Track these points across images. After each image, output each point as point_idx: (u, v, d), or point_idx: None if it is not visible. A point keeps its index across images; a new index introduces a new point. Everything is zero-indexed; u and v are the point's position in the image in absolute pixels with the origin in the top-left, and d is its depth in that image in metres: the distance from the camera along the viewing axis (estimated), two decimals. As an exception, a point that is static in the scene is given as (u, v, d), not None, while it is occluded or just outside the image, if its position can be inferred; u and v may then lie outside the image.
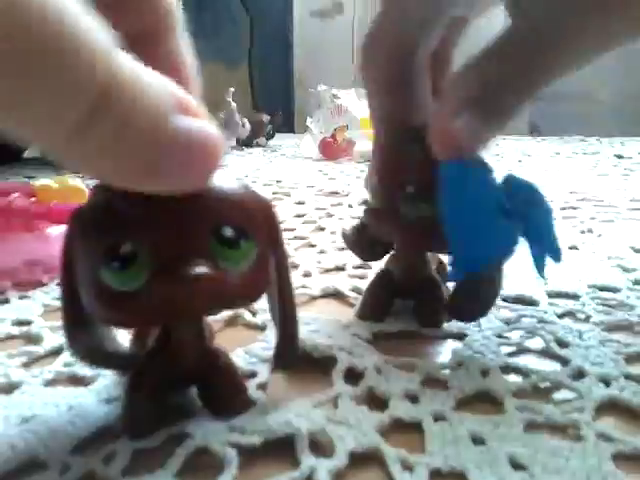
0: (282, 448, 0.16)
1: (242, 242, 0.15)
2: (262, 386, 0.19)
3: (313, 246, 0.36)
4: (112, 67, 0.11)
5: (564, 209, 0.46)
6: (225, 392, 0.17)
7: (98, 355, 0.17)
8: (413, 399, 0.18)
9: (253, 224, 0.15)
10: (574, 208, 0.47)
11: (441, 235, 0.19)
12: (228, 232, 0.15)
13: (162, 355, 0.17)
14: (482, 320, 0.24)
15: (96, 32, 0.11)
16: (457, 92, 0.19)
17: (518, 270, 0.30)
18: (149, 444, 0.16)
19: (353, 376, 0.19)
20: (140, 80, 0.12)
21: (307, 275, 0.30)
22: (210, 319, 0.24)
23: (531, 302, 0.26)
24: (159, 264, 0.14)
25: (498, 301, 0.26)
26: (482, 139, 0.19)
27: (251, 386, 0.19)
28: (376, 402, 0.18)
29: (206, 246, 0.15)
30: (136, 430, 0.16)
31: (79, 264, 0.15)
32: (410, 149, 0.21)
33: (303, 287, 0.28)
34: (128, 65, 0.12)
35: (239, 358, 0.21)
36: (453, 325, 0.23)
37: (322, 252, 0.35)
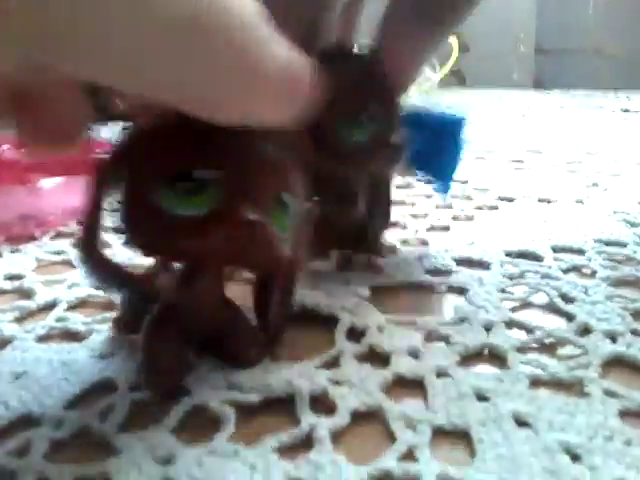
0: (282, 406, 0.15)
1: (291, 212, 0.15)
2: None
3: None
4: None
5: (570, 163, 0.45)
6: (242, 343, 0.17)
7: (118, 276, 0.16)
8: (415, 355, 0.17)
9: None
10: (579, 162, 0.46)
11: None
12: (287, 198, 0.15)
13: (184, 304, 0.16)
14: (484, 275, 0.23)
15: None
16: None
17: (521, 225, 0.29)
18: (147, 394, 0.16)
19: (355, 334, 0.19)
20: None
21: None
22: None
23: (535, 257, 0.25)
24: (225, 201, 0.14)
25: (501, 256, 0.25)
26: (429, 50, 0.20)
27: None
28: (378, 359, 0.17)
29: (269, 204, 0.15)
30: (160, 382, 0.16)
31: (130, 186, 0.14)
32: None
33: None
34: None
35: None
36: (454, 280, 0.23)
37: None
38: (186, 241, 0.14)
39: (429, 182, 0.24)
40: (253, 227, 0.14)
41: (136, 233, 0.15)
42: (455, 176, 0.24)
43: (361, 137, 0.20)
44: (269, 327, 0.17)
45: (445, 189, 0.24)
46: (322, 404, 0.15)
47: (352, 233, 0.23)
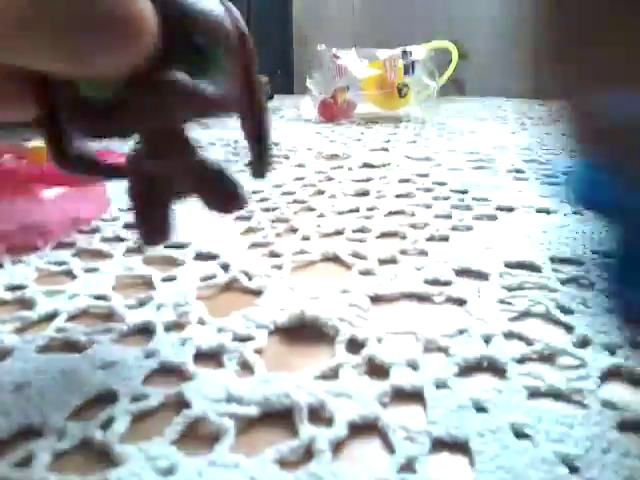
0: (280, 418, 0.15)
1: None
2: (258, 351, 0.19)
3: (312, 210, 0.36)
4: None
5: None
6: (223, 190, 0.18)
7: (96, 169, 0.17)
8: (414, 367, 0.18)
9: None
10: (578, 172, 0.46)
11: None
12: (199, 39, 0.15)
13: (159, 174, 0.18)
14: (483, 286, 0.23)
15: None
16: None
17: (520, 236, 0.30)
18: (148, 405, 0.16)
19: (354, 346, 0.19)
20: None
21: (306, 239, 0.30)
22: (206, 284, 0.24)
23: (534, 268, 0.25)
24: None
25: (500, 267, 0.25)
26: None
27: (248, 350, 0.18)
28: (377, 371, 0.18)
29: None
30: (154, 236, 0.18)
31: None
32: None
33: (302, 251, 0.28)
34: None
35: (236, 323, 0.20)
36: (453, 290, 0.23)
37: (321, 216, 0.34)
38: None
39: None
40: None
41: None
42: None
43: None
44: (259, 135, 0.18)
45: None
46: (320, 416, 0.15)
47: None
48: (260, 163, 0.18)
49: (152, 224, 0.18)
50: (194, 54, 0.15)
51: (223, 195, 0.18)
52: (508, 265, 0.26)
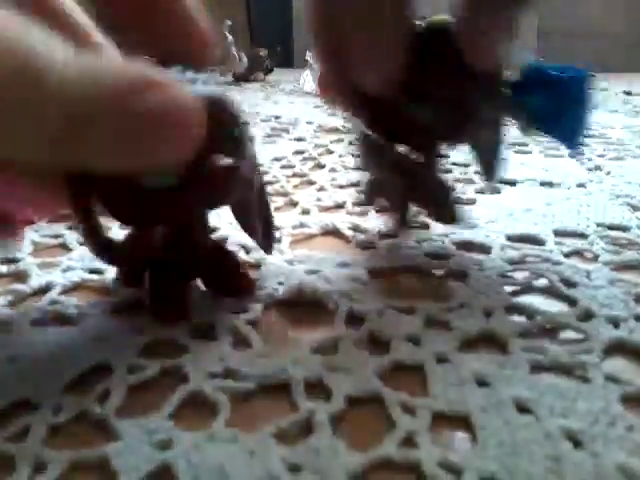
0: (278, 392, 0.15)
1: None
2: (252, 322, 0.18)
3: (312, 183, 0.35)
4: (59, 84, 0.12)
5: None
6: (231, 274, 0.20)
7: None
8: (415, 341, 0.17)
9: None
10: (582, 145, 0.45)
11: None
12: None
13: (180, 247, 0.18)
14: (484, 260, 0.23)
15: (36, 50, 0.12)
16: None
17: (523, 209, 0.29)
18: (144, 377, 0.16)
19: (354, 320, 0.19)
20: (92, 73, 0.13)
21: (305, 212, 0.29)
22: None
23: (537, 241, 0.25)
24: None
25: (501, 240, 0.25)
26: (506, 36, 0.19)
27: (240, 322, 0.18)
28: (378, 345, 0.17)
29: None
30: (168, 316, 0.18)
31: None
32: None
33: (301, 225, 0.27)
34: (75, 68, 0.12)
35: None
36: (454, 264, 0.23)
37: (321, 189, 0.34)
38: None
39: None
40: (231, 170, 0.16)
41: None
42: (584, 133, 0.22)
43: (428, 115, 0.21)
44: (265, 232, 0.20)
45: (574, 147, 0.23)
46: (318, 390, 0.15)
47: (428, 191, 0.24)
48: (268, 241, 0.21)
49: (167, 305, 0.19)
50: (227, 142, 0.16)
51: (237, 286, 0.20)
52: (510, 238, 0.25)
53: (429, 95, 0.20)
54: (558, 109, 0.21)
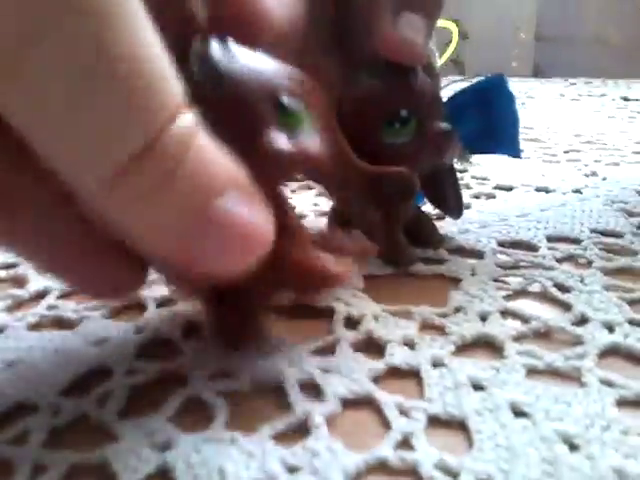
0: (274, 393, 0.15)
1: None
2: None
3: (311, 189, 0.35)
4: (178, 116, 0.11)
5: (567, 152, 0.45)
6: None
7: None
8: (410, 346, 0.17)
9: None
10: (578, 151, 0.46)
11: None
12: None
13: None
14: (477, 265, 0.23)
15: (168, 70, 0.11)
16: None
17: (518, 214, 0.29)
18: (142, 380, 0.16)
19: (350, 324, 0.19)
20: (200, 145, 0.11)
21: (302, 217, 0.30)
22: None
23: (530, 247, 0.25)
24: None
25: (495, 246, 0.25)
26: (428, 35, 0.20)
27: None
28: (373, 349, 0.17)
29: None
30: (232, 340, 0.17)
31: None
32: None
33: (299, 230, 0.27)
34: (191, 124, 0.11)
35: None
36: (447, 269, 0.23)
37: (319, 195, 0.34)
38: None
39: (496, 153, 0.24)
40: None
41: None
42: (519, 135, 0.23)
43: (406, 136, 0.21)
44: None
45: (516, 153, 0.24)
46: (312, 392, 0.15)
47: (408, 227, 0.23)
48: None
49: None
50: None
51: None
52: (502, 244, 0.25)
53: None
54: (489, 123, 0.22)
